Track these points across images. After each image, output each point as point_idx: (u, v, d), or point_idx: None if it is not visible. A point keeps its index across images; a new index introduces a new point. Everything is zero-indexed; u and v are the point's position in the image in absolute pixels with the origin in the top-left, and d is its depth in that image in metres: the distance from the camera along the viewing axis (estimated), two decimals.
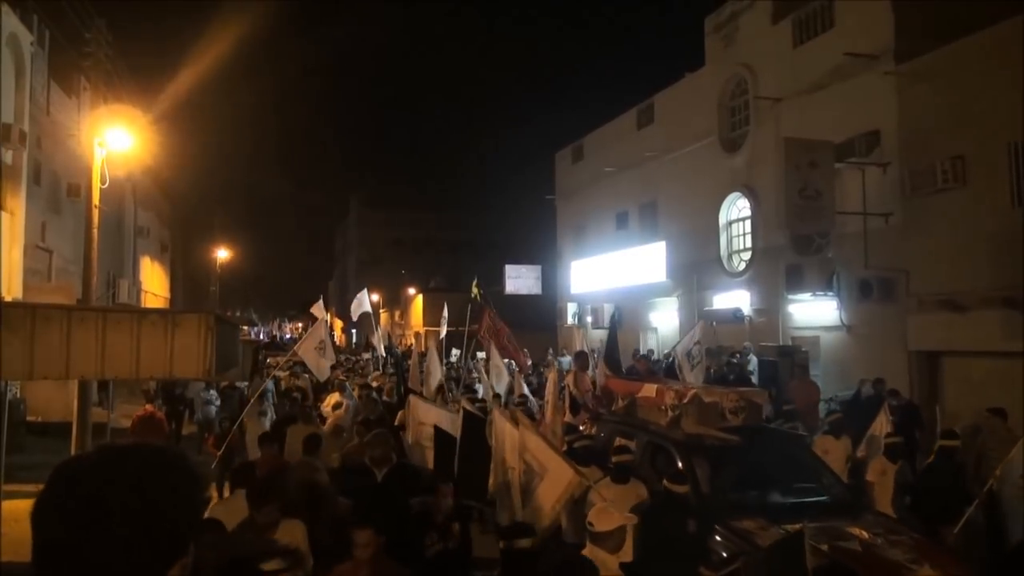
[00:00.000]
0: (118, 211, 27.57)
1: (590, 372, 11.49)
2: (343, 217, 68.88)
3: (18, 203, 17.23)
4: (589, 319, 27.30)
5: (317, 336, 14.21)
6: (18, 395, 14.90)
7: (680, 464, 6.92)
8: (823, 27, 16.58)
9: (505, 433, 6.57)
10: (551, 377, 10.18)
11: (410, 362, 15.73)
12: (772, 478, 7.14)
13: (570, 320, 29.00)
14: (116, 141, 13.38)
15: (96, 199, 13.58)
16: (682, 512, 5.90)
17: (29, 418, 15.42)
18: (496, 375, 14.06)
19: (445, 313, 21.27)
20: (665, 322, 23.16)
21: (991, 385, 11.32)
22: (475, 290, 17.66)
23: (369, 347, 26.31)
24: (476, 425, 7.46)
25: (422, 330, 42.41)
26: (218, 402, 15.21)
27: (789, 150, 14.80)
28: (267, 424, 11.56)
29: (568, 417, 9.45)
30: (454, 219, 55.71)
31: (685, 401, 7.58)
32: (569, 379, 10.41)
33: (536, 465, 6.00)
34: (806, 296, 16.24)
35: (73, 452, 11.34)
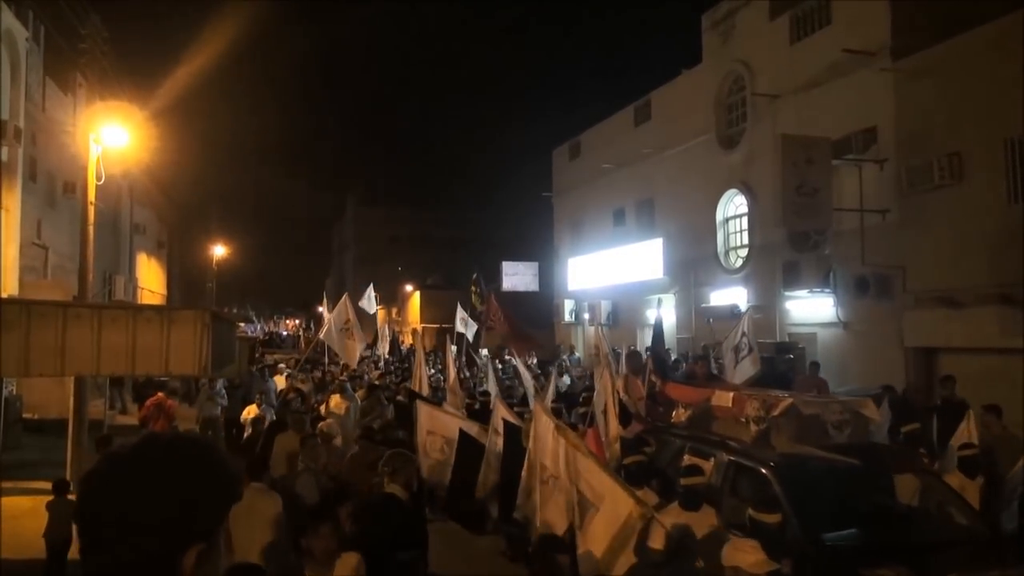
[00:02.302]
0: (114, 208, 27.50)
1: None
2: (340, 214, 68.78)
3: (13, 200, 17.17)
4: (586, 316, 27.31)
5: (342, 318, 13.76)
6: (14, 392, 14.87)
7: (779, 491, 5.58)
8: (820, 24, 16.58)
9: (548, 438, 5.55)
10: (605, 382, 8.39)
11: (415, 360, 15.08)
12: (895, 510, 5.94)
13: (567, 317, 29.00)
14: (112, 138, 13.34)
15: (92, 196, 13.55)
16: (774, 549, 4.78)
17: (25, 415, 15.39)
18: (519, 379, 12.94)
19: (460, 313, 21.08)
20: (663, 319, 23.13)
21: (987, 382, 11.32)
22: (473, 288, 17.25)
23: (369, 345, 26.15)
24: (519, 437, 6.46)
25: (419, 327, 42.40)
26: (224, 401, 14.65)
27: (786, 147, 14.80)
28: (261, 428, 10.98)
29: (618, 429, 8.09)
30: (451, 216, 55.65)
31: (776, 413, 6.31)
32: (619, 384, 8.78)
33: (590, 493, 4.96)
34: (803, 293, 16.24)
35: (69, 449, 11.33)
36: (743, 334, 11.58)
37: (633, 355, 10.28)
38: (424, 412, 7.89)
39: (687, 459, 6.02)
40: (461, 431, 7.20)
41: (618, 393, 8.41)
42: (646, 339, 23.33)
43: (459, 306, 21.73)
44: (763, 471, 5.89)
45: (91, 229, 13.56)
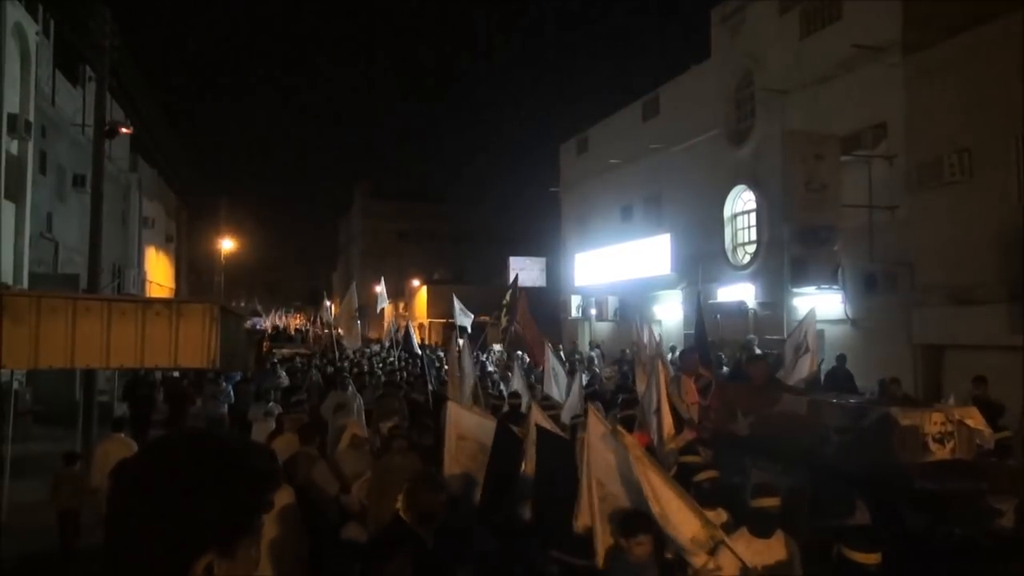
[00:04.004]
0: (124, 202, 27.62)
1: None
2: (347, 208, 68.84)
3: (24, 193, 17.26)
4: (593, 311, 27.28)
5: (352, 305, 14.11)
6: (24, 384, 14.94)
7: (875, 517, 4.84)
8: (830, 19, 16.49)
9: (601, 447, 4.72)
10: (661, 380, 7.06)
11: (445, 361, 13.35)
12: (1015, 539, 5.04)
13: (574, 313, 28.99)
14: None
15: (102, 189, 13.62)
16: None
17: (35, 408, 15.45)
18: (553, 379, 11.64)
19: (458, 304, 20.55)
20: (669, 315, 23.13)
21: (995, 379, 11.27)
22: (506, 301, 16.45)
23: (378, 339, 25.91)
24: (557, 446, 5.48)
25: (426, 322, 42.49)
26: (231, 399, 13.85)
27: (791, 143, 14.78)
28: (273, 427, 9.91)
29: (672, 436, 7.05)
30: (458, 210, 55.64)
31: (864, 424, 5.57)
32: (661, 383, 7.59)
33: (652, 510, 4.24)
34: (811, 289, 16.19)
35: (80, 441, 11.39)
36: (805, 334, 10.72)
37: (688, 353, 9.24)
38: (455, 414, 6.87)
39: (757, 475, 5.18)
40: (500, 423, 6.13)
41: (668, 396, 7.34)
42: (653, 334, 23.27)
43: (454, 298, 21.00)
44: (855, 492, 5.04)
45: (101, 222, 13.63)
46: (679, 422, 7.02)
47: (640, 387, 10.71)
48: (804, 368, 10.18)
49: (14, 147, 16.77)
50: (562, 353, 22.97)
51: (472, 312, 21.13)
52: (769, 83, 18.23)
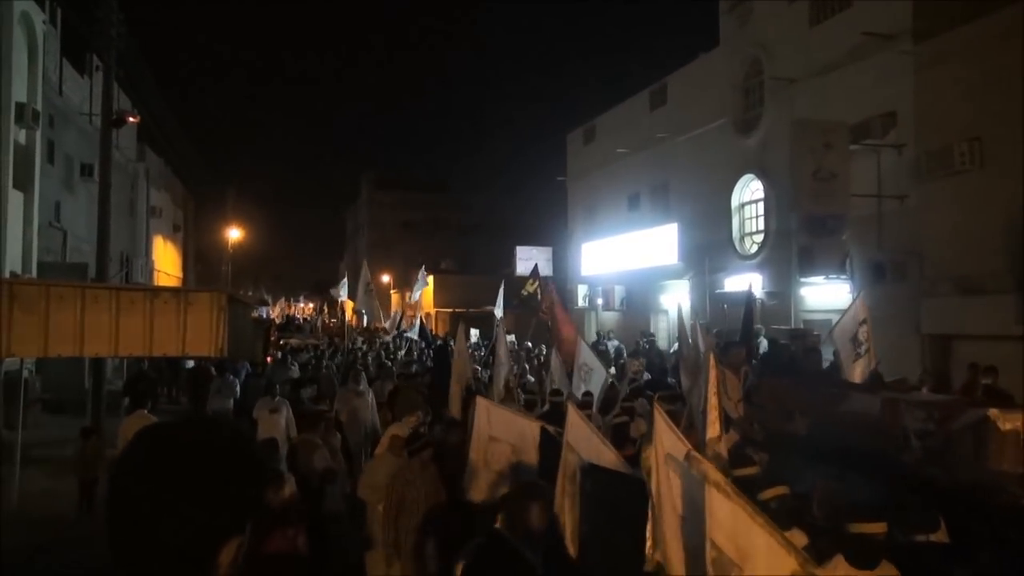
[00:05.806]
0: (131, 191, 27.69)
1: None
2: (354, 198, 68.87)
3: (32, 182, 17.31)
4: (600, 301, 27.26)
5: (365, 279, 13.57)
6: (34, 373, 15.02)
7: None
8: (840, 6, 16.35)
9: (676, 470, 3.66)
10: (712, 378, 5.96)
11: (455, 350, 11.17)
12: None
13: (581, 302, 28.98)
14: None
15: (109, 178, 13.65)
16: None
17: (44, 396, 15.54)
18: (586, 374, 10.59)
19: (501, 294, 19.59)
20: (676, 305, 23.07)
21: (1003, 369, 11.21)
22: (529, 288, 15.75)
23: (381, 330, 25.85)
24: (610, 478, 4.52)
25: (432, 311, 42.52)
26: (236, 393, 13.11)
27: (800, 132, 14.68)
28: (283, 424, 9.25)
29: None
30: (465, 200, 55.64)
31: (957, 426, 4.91)
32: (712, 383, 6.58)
33: (731, 549, 3.26)
34: (819, 279, 16.12)
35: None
36: (862, 322, 9.27)
37: (731, 346, 8.56)
38: (485, 412, 6.10)
39: (823, 486, 4.46)
40: (543, 431, 5.41)
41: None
42: (659, 325, 23.26)
43: (502, 287, 20.32)
44: (979, 513, 4.38)
45: (109, 211, 13.66)
46: (726, 422, 6.08)
47: (686, 383, 10.01)
48: (857, 373, 9.05)
49: (22, 136, 16.81)
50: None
51: (477, 303, 20.96)
52: (778, 71, 18.10)
